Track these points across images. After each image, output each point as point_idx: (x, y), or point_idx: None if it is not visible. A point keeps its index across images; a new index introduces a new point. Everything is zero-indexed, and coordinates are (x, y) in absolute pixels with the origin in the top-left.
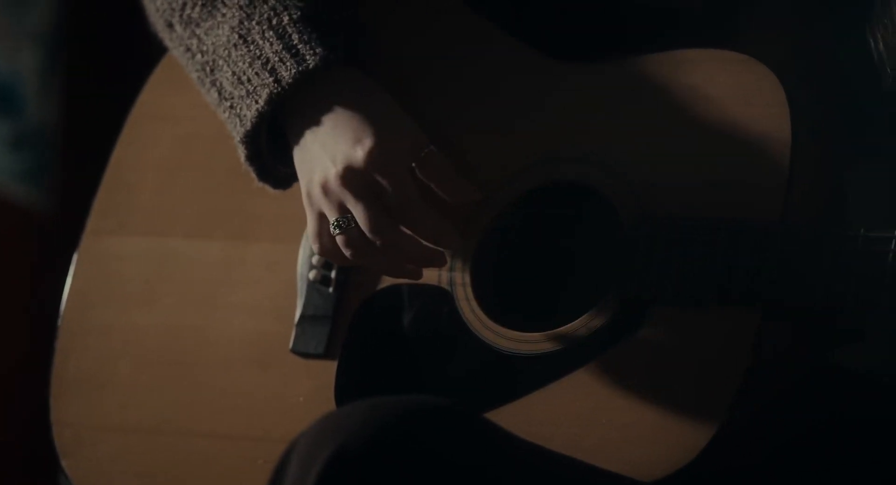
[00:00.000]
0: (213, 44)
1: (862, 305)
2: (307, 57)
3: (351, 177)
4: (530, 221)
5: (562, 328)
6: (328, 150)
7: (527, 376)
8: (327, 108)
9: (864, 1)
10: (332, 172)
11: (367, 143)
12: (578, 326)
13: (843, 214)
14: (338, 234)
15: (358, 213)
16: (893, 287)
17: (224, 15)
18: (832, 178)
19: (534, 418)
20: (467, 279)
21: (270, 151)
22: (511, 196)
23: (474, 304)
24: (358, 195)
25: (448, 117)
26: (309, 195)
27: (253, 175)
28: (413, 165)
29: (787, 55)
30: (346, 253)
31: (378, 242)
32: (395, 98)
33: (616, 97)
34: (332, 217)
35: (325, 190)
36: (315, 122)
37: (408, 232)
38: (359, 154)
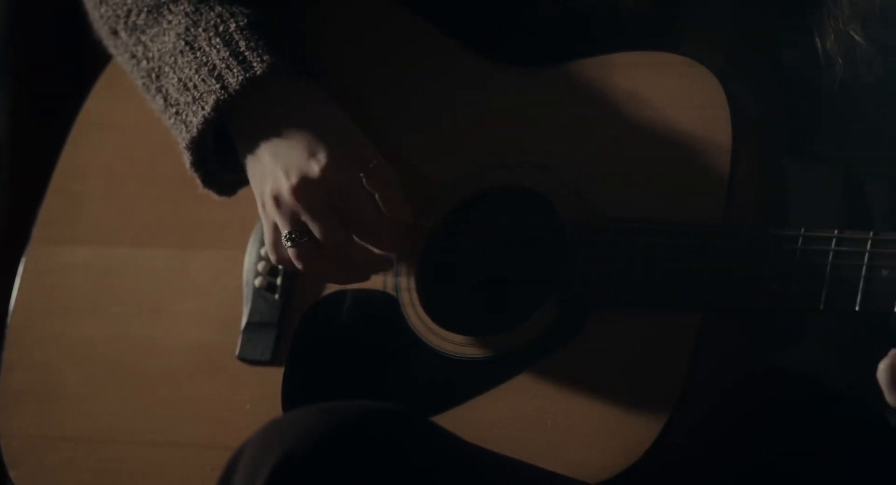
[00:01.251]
0: (158, 50)
1: (802, 306)
2: (254, 64)
3: (305, 190)
4: (474, 225)
5: (505, 332)
6: (280, 161)
7: (472, 379)
8: (277, 118)
9: (810, 10)
10: (285, 184)
11: (321, 156)
12: (522, 329)
13: (784, 216)
14: (290, 246)
15: (314, 226)
16: (833, 288)
17: (170, 22)
18: (773, 180)
19: (480, 421)
20: (412, 284)
21: (216, 157)
22: (455, 200)
23: (419, 309)
24: (313, 209)
25: (392, 123)
26: (263, 206)
27: (198, 182)
28: (361, 176)
29: (727, 57)
30: (298, 265)
31: (332, 255)
32: (341, 105)
33: (558, 101)
34: (284, 230)
35: (278, 202)
36: (265, 131)
37: (361, 243)
38: (314, 168)
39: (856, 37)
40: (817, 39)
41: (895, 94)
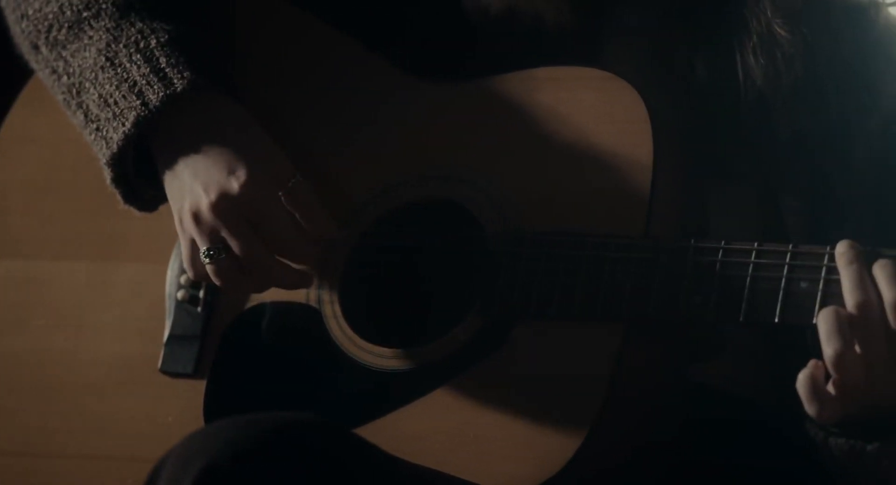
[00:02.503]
0: (79, 66)
1: (723, 318)
2: (175, 80)
3: (225, 207)
4: (397, 238)
5: (428, 344)
6: (200, 178)
7: (395, 392)
8: (197, 135)
9: (728, 19)
10: (204, 201)
11: (241, 174)
12: (444, 341)
13: (705, 229)
14: (208, 262)
15: (232, 243)
16: (753, 300)
17: (91, 37)
18: (694, 194)
19: (403, 433)
20: (335, 297)
21: (137, 173)
22: (378, 214)
23: (342, 321)
24: (232, 226)
25: (313, 139)
26: (181, 222)
27: (119, 197)
28: (280, 194)
29: (647, 72)
30: (216, 280)
31: (251, 271)
32: (261, 121)
33: (481, 115)
34: (203, 246)
35: (197, 219)
36: (185, 148)
37: (280, 259)
38: (233, 185)
39: (779, 31)
40: (736, 49)
41: (807, 110)
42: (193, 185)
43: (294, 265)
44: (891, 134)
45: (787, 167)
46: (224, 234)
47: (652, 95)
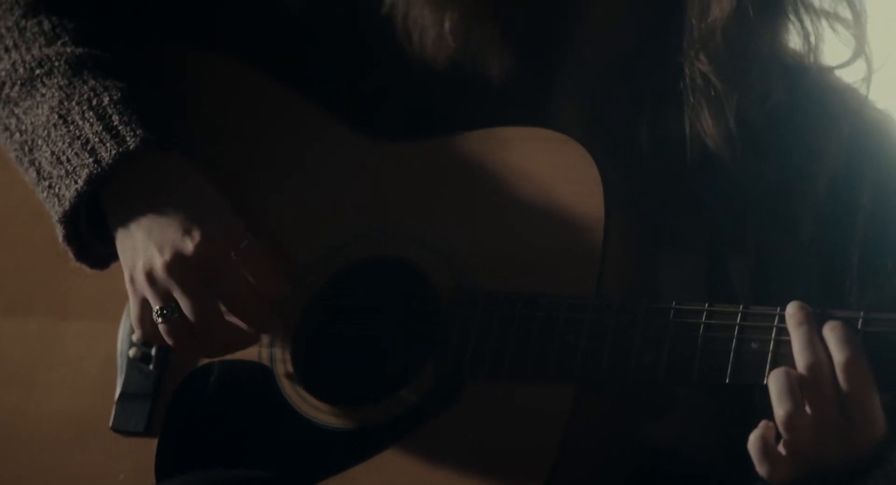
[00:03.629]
0: (32, 123)
1: (674, 379)
2: (127, 138)
3: (179, 267)
4: (350, 296)
5: (381, 403)
6: (154, 238)
7: (347, 450)
8: (150, 194)
9: (669, 77)
10: (158, 260)
11: (195, 234)
12: (397, 400)
13: (655, 290)
14: (161, 322)
15: (185, 303)
16: (704, 361)
17: (44, 95)
18: (644, 254)
19: None
20: (287, 356)
21: (89, 230)
22: (330, 272)
23: (294, 380)
24: (186, 286)
25: (265, 196)
26: (132, 281)
27: (71, 255)
28: (232, 254)
29: (594, 131)
30: (168, 340)
31: (203, 331)
32: (214, 179)
33: (435, 174)
34: (155, 305)
35: (151, 278)
36: (138, 207)
37: (232, 320)
38: (188, 245)
39: (719, 87)
40: (682, 108)
41: (751, 172)
42: (147, 244)
43: (245, 326)
44: (835, 195)
45: (734, 230)
46: (177, 294)
47: (599, 155)
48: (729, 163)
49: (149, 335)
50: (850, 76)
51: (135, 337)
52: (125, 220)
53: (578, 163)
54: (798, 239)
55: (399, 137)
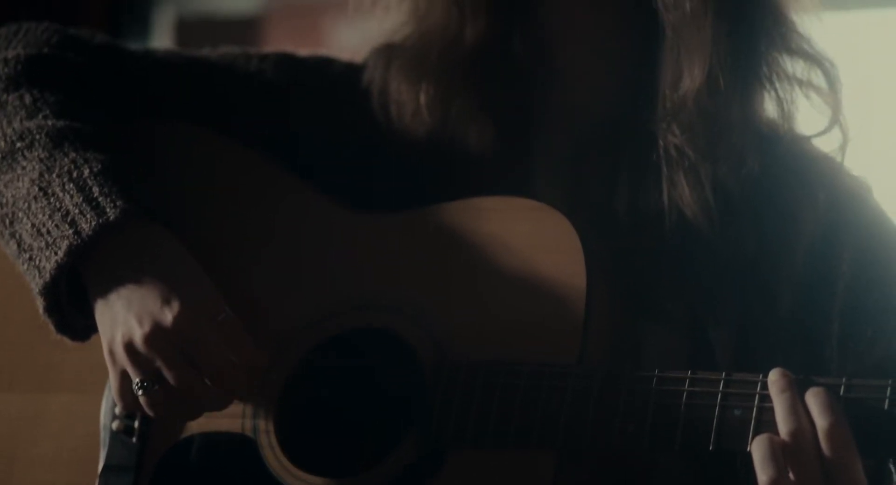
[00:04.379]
0: (12, 196)
1: (658, 446)
2: (107, 209)
3: (159, 338)
4: (333, 367)
5: (364, 473)
6: (134, 309)
7: None
8: (130, 265)
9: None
10: (138, 332)
11: (175, 305)
12: (380, 470)
13: (637, 359)
14: (142, 394)
15: (168, 374)
16: (688, 428)
17: (24, 167)
18: (626, 323)
19: None
20: (271, 427)
21: (70, 303)
22: (313, 343)
23: (278, 451)
24: (167, 357)
25: (247, 268)
26: (112, 353)
27: (52, 327)
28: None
29: (573, 200)
30: (150, 411)
31: (186, 401)
32: (194, 249)
33: (415, 245)
34: (136, 377)
35: (130, 350)
36: (118, 278)
37: (214, 389)
38: (167, 317)
39: (692, 157)
40: (661, 177)
41: (729, 240)
42: (127, 316)
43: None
44: (814, 263)
45: (715, 299)
46: (158, 364)
47: (580, 224)
48: (707, 232)
49: (130, 407)
50: (825, 144)
51: (117, 410)
52: (105, 291)
53: (559, 232)
54: (778, 308)
55: (379, 208)
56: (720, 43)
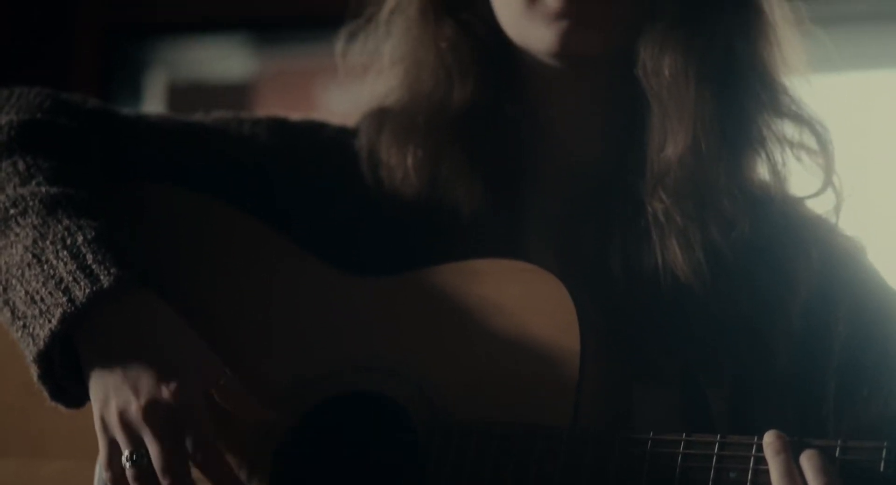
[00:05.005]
0: (6, 263)
1: None
2: (101, 277)
3: (154, 412)
4: (325, 431)
5: None
6: (129, 379)
7: None
8: (125, 334)
9: (635, 208)
10: (133, 404)
11: (172, 380)
12: None
13: (631, 420)
14: (129, 467)
15: (154, 449)
16: None
17: (18, 235)
18: (620, 384)
19: None
20: None
21: (64, 370)
22: (305, 407)
23: None
24: (158, 432)
25: (240, 332)
26: (103, 421)
27: (45, 394)
28: (212, 392)
29: (565, 262)
30: None
31: (172, 477)
32: (189, 313)
33: (409, 307)
34: (125, 448)
35: (124, 420)
36: (113, 347)
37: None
38: (164, 391)
39: (681, 220)
40: (653, 238)
41: (723, 301)
42: (122, 386)
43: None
44: (809, 323)
45: (709, 360)
46: (148, 439)
47: (573, 286)
48: (701, 292)
49: (117, 479)
50: (819, 205)
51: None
52: (100, 359)
53: (552, 294)
54: (774, 366)
55: (371, 271)
56: (704, 106)
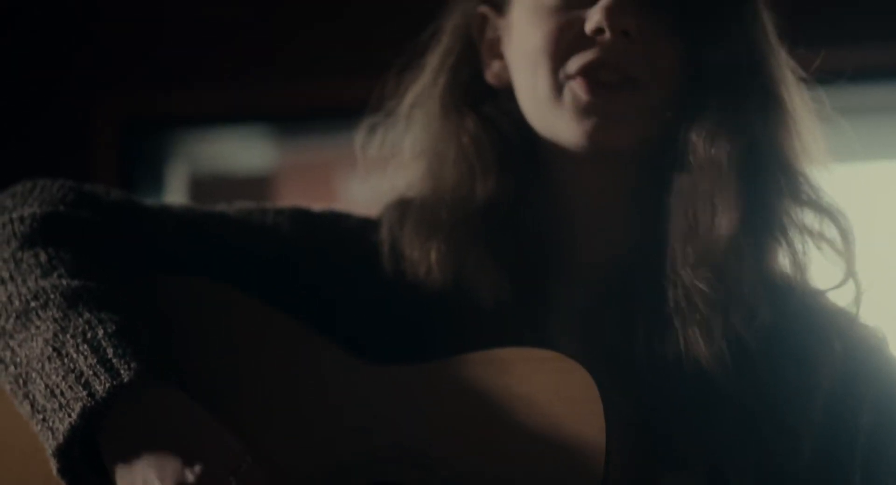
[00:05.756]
0: (26, 356)
1: None
2: (122, 371)
3: None
4: None
5: None
6: (154, 467)
7: None
8: (147, 427)
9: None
10: None
11: (196, 465)
12: None
13: None
14: None
15: None
16: None
17: (38, 327)
18: (646, 474)
19: None
20: None
21: (84, 464)
22: None
23: None
24: None
25: (266, 421)
26: None
27: None
28: (232, 479)
29: (588, 350)
30: None
31: None
32: (212, 405)
33: (433, 397)
34: None
35: None
36: (135, 440)
37: None
38: (189, 476)
39: (695, 300)
40: (675, 325)
41: (749, 388)
42: (147, 472)
43: None
44: (833, 414)
45: (734, 449)
46: None
47: (598, 375)
48: (724, 382)
49: None
50: (838, 297)
51: None
52: (122, 452)
53: (578, 383)
54: (799, 457)
55: (393, 360)
56: (727, 196)
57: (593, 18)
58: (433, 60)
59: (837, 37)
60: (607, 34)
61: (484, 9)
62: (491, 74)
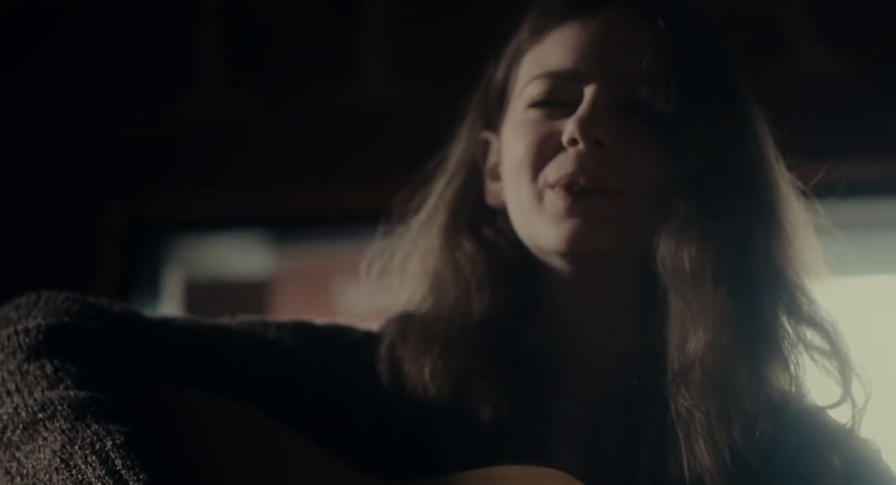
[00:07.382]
0: (33, 467)
1: None
2: (131, 482)
3: None
4: None
5: None
6: None
7: None
8: None
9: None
10: None
11: None
12: None
13: None
14: None
15: None
16: None
17: (45, 438)
18: None
19: None
20: None
21: None
22: None
23: None
24: None
25: None
26: None
27: None
28: None
29: (590, 469)
30: None
31: None
32: None
33: None
34: None
35: None
36: None
37: None
38: None
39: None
40: (679, 441)
41: None
42: None
43: None
44: None
45: None
46: None
47: None
48: None
49: None
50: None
51: None
52: None
53: None
54: None
55: (394, 476)
56: (720, 304)
57: (568, 129)
58: (439, 184)
59: (839, 151)
60: (581, 144)
61: (486, 134)
62: (491, 196)
